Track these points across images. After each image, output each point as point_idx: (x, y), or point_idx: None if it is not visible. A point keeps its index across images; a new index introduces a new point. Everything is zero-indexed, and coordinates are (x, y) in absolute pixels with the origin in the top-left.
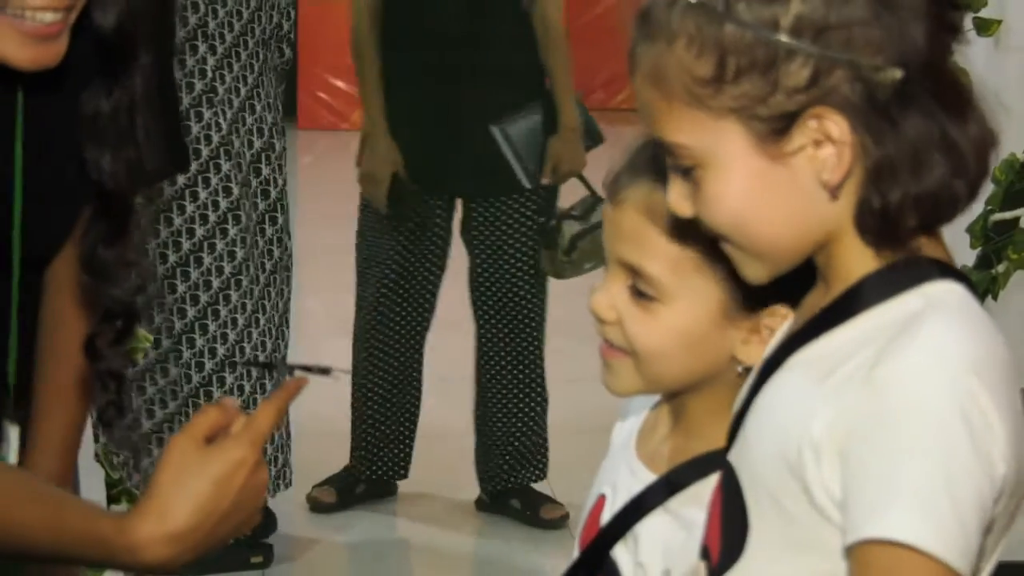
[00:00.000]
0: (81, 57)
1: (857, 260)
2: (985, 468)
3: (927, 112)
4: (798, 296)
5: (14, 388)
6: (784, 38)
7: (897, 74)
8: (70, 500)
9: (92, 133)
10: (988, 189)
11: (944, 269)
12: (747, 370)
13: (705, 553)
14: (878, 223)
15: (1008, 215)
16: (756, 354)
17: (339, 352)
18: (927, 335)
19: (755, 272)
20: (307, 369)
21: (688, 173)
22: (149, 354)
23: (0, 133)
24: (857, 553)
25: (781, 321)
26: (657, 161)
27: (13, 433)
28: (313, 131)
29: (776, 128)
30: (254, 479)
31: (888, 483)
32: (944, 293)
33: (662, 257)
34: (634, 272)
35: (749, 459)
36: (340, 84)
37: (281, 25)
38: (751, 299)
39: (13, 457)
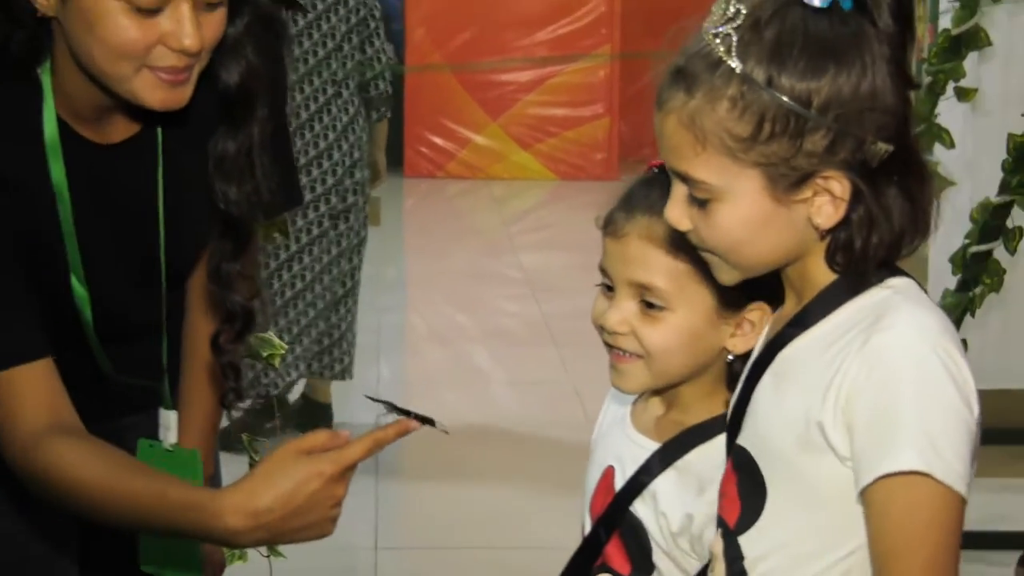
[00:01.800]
0: (210, 108)
1: (824, 272)
2: (968, 408)
3: (900, 175)
4: (769, 295)
5: (168, 382)
6: (815, 114)
7: (889, 148)
8: (173, 477)
9: (220, 171)
10: (967, 226)
11: (893, 269)
12: (736, 358)
13: (721, 522)
14: (852, 260)
15: (983, 248)
16: (742, 345)
17: (436, 359)
18: (907, 314)
19: (729, 277)
20: (411, 414)
21: (701, 202)
22: None
23: (145, 169)
24: (876, 490)
25: (759, 315)
26: (648, 198)
27: (172, 418)
28: (415, 178)
29: (791, 182)
30: (328, 489)
31: (897, 428)
32: (902, 284)
33: (665, 272)
34: (642, 288)
35: (762, 440)
36: (437, 140)
37: (377, 85)
38: (734, 300)
39: (172, 438)
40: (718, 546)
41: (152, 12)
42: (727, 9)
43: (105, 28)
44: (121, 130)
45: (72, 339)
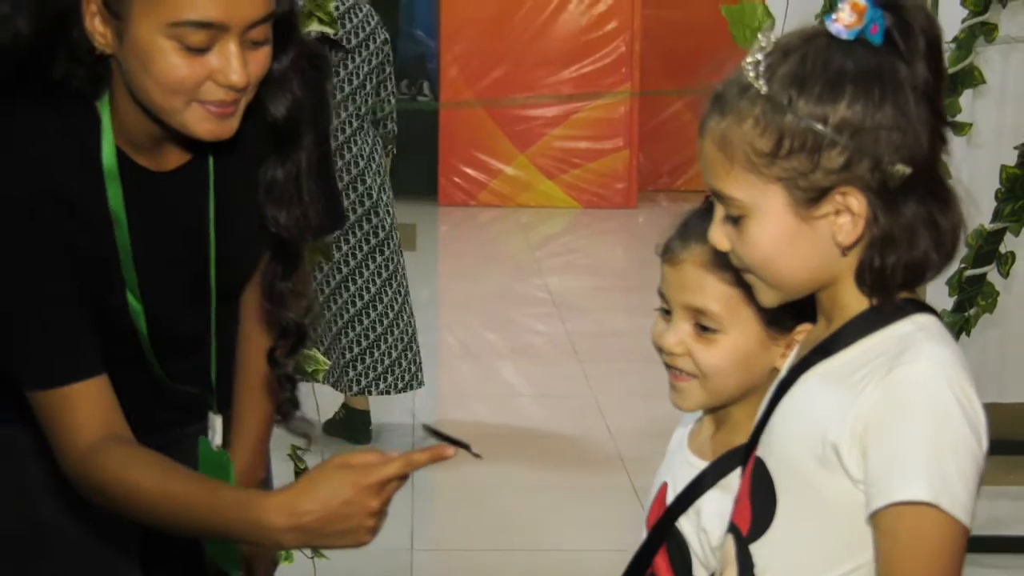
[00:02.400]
0: (258, 138)
1: (854, 300)
2: (979, 443)
3: (921, 199)
4: (814, 319)
5: (216, 390)
6: (830, 132)
7: (907, 170)
8: (222, 482)
9: (270, 197)
10: (962, 251)
11: (919, 305)
12: None
13: (733, 528)
14: (874, 279)
15: (977, 271)
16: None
17: (467, 373)
18: (928, 351)
19: (769, 298)
20: (448, 439)
21: (735, 219)
22: None
23: (196, 195)
24: (886, 515)
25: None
26: (702, 227)
27: (217, 422)
28: (449, 206)
29: (810, 197)
30: (361, 498)
31: (910, 459)
32: (927, 321)
33: (720, 297)
34: (697, 312)
35: (778, 452)
36: (469, 171)
37: (386, 124)
38: (783, 322)
39: (218, 440)
40: (731, 551)
41: (201, 51)
42: (761, 42)
43: (158, 65)
44: (175, 158)
45: (129, 351)
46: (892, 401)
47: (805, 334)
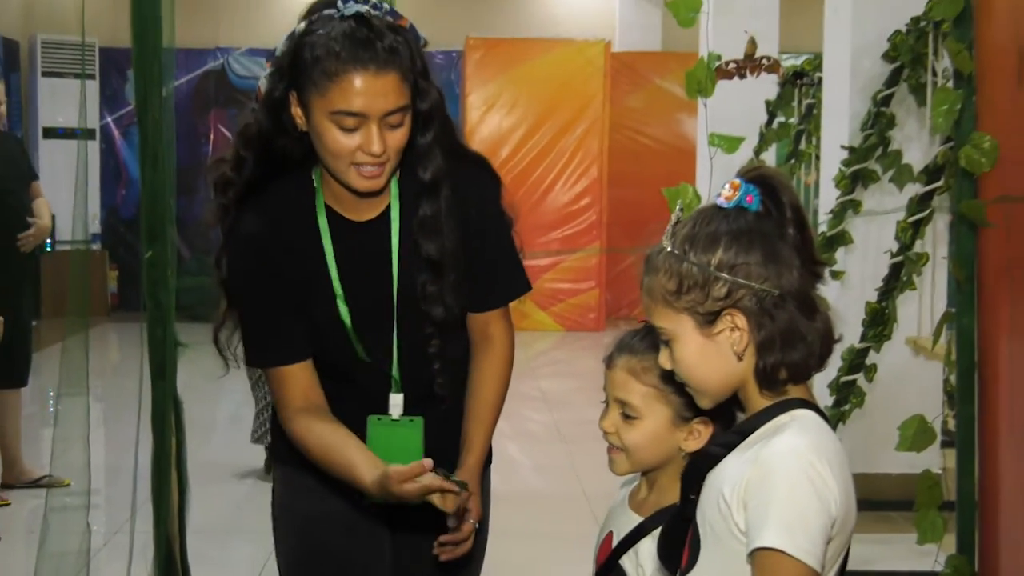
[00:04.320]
0: (416, 189)
1: (758, 397)
2: (824, 508)
3: (792, 315)
4: (713, 413)
5: (400, 374)
6: (713, 271)
7: (775, 293)
8: (361, 447)
9: (421, 230)
10: (838, 363)
11: (803, 403)
12: (689, 454)
13: (678, 561)
14: (761, 377)
15: (850, 378)
16: (691, 446)
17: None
18: (789, 435)
19: (704, 402)
20: (451, 480)
21: (667, 344)
22: None
23: (385, 238)
24: (754, 558)
25: (703, 427)
26: (631, 343)
27: (399, 399)
28: None
29: (708, 320)
30: (396, 483)
31: (767, 514)
32: (802, 414)
33: (638, 394)
34: (623, 404)
35: (703, 507)
36: None
37: None
38: (685, 414)
39: (397, 413)
40: None
41: (352, 130)
42: (676, 215)
43: (325, 139)
44: (369, 211)
45: (339, 339)
46: (761, 470)
47: (704, 425)
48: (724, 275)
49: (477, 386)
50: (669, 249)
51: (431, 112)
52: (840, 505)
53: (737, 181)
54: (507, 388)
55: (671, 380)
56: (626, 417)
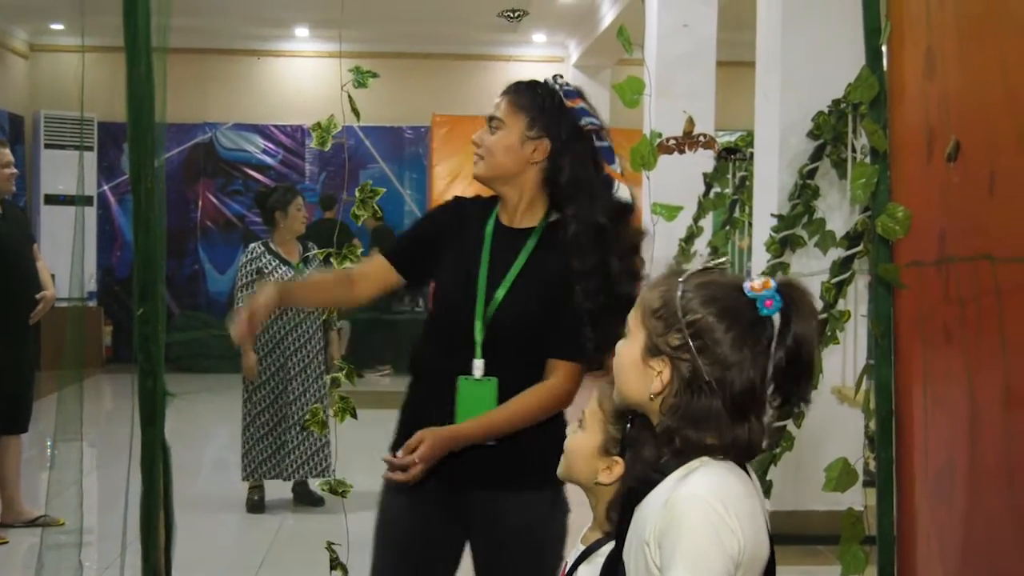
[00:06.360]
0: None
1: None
2: (725, 552)
3: (712, 405)
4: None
5: (483, 344)
6: (683, 322)
7: (707, 380)
8: None
9: (568, 249)
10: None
11: (723, 451)
12: (619, 488)
13: None
14: (661, 430)
15: (781, 423)
16: (605, 478)
17: None
18: (695, 480)
19: (616, 399)
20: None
21: (624, 336)
22: None
23: (523, 243)
24: None
25: (617, 465)
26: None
27: (480, 364)
28: None
29: (651, 350)
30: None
31: (675, 550)
32: (713, 462)
33: (595, 408)
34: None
35: (628, 549)
36: None
37: None
38: (610, 450)
39: (477, 373)
40: None
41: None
42: (719, 261)
43: None
44: (524, 221)
45: (468, 298)
46: (670, 514)
47: (618, 463)
48: (686, 332)
49: (514, 398)
50: (681, 279)
51: (572, 186)
52: (746, 545)
53: (771, 282)
54: (533, 415)
55: (621, 417)
56: (579, 424)
